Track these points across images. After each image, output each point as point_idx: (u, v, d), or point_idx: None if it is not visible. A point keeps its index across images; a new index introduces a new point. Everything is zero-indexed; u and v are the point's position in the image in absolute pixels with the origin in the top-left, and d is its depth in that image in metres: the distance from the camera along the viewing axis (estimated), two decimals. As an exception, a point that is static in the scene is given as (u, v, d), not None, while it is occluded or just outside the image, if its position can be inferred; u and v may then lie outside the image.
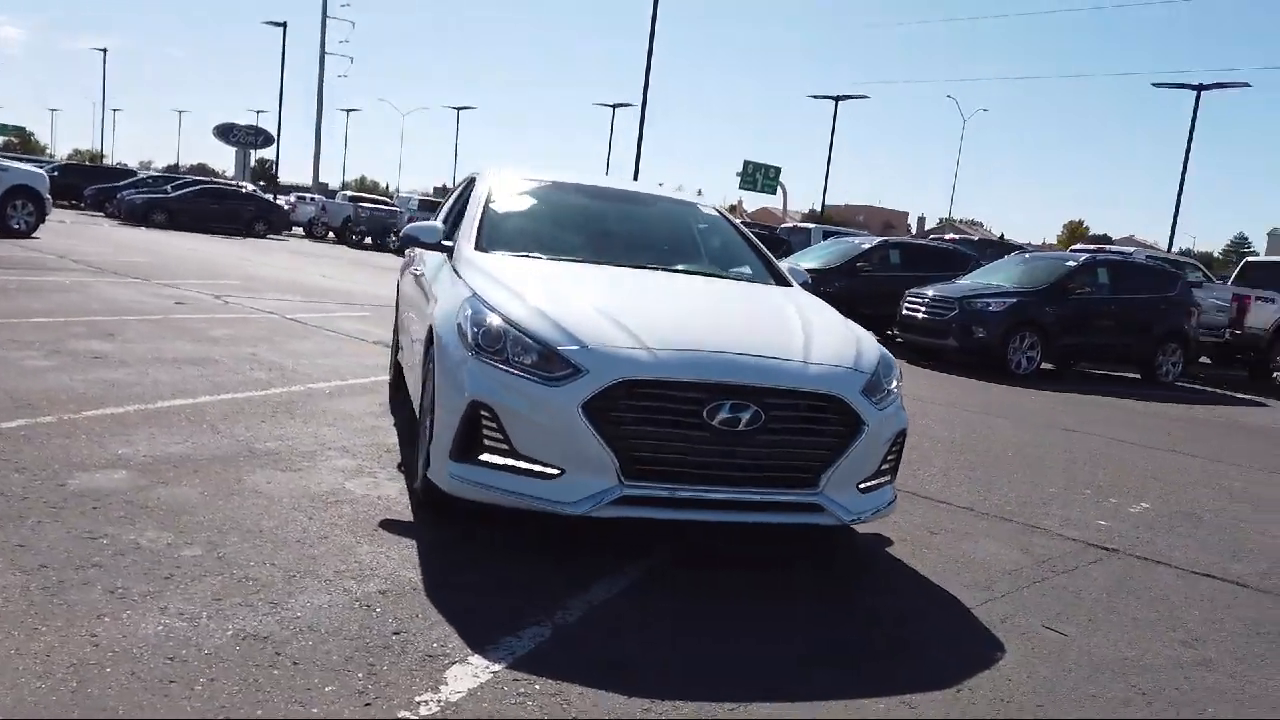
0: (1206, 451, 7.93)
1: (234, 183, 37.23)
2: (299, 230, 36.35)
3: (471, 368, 3.54)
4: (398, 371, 6.43)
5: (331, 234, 35.23)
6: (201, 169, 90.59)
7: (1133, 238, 78.29)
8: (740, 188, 36.41)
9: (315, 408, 5.75)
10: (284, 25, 46.70)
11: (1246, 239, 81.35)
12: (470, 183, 5.68)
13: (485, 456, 3.49)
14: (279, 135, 49.25)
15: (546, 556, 3.65)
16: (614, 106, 50.99)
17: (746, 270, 4.97)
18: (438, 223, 4.83)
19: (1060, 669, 3.11)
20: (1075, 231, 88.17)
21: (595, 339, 3.46)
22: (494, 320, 3.62)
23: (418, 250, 5.75)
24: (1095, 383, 12.76)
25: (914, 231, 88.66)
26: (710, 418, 3.37)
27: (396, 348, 6.45)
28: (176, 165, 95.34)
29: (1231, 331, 14.74)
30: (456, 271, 4.30)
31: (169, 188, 31.04)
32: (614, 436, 3.32)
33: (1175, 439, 8.46)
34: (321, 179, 52.00)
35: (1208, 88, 29.80)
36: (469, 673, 2.66)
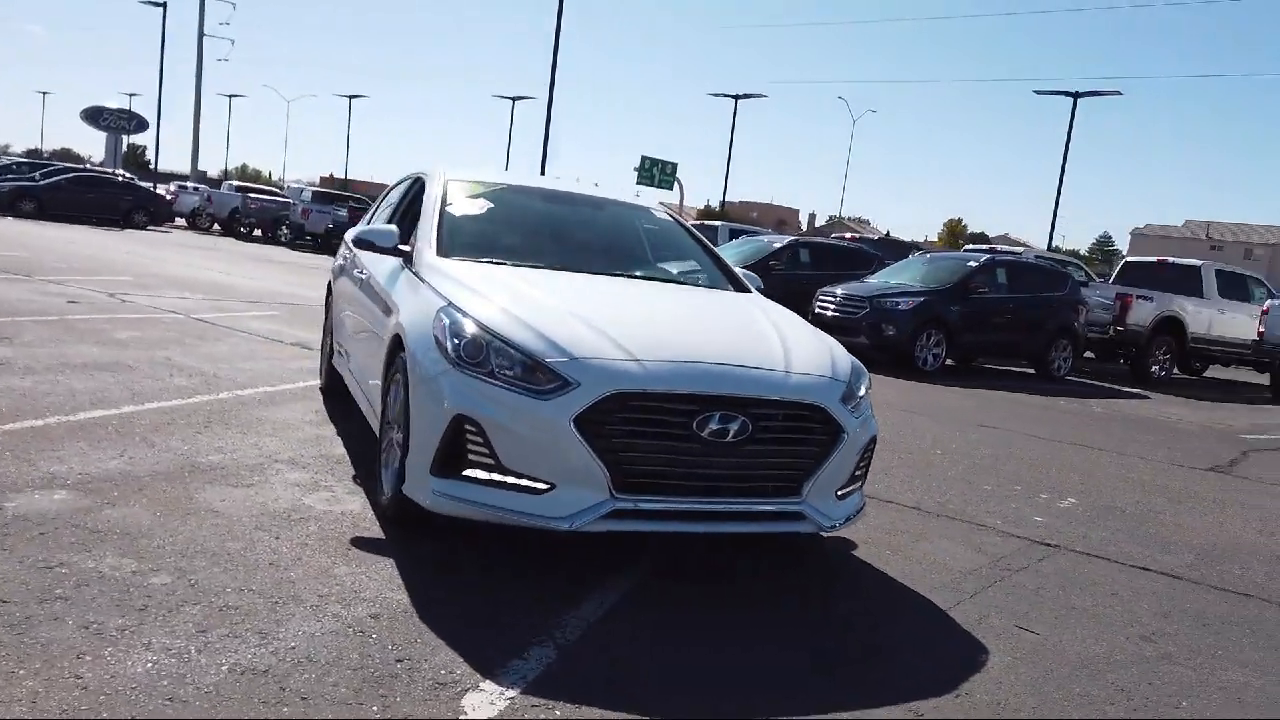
0: (1111, 445, 8.36)
1: (109, 170, 35.26)
2: (181, 221, 34.76)
3: (452, 380, 3.44)
4: (332, 377, 6.23)
5: (217, 226, 33.81)
6: (66, 154, 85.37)
7: (1007, 236, 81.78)
8: (637, 183, 36.58)
9: (249, 416, 5.51)
10: (164, 5, 44.43)
11: (1111, 239, 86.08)
12: (414, 183, 5.52)
13: (470, 472, 3.41)
14: (159, 120, 46.91)
15: (529, 572, 3.59)
16: (513, 100, 50.39)
17: (704, 275, 4.98)
18: (392, 226, 4.67)
19: (1043, 670, 3.23)
20: (954, 230, 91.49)
21: (582, 350, 3.42)
22: (473, 330, 3.53)
23: (359, 252, 5.56)
24: (995, 378, 13.30)
25: (804, 228, 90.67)
26: (700, 429, 3.37)
27: (331, 353, 6.23)
28: (39, 150, 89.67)
29: (1115, 328, 15.56)
30: (420, 277, 4.18)
31: (37, 175, 29.22)
32: (605, 449, 3.28)
33: (1080, 433, 8.89)
34: (199, 167, 49.74)
35: (1084, 95, 31.44)
36: (485, 700, 2.59)
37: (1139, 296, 15.58)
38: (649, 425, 3.34)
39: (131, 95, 70.52)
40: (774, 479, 3.55)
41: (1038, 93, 33.69)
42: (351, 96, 64.20)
